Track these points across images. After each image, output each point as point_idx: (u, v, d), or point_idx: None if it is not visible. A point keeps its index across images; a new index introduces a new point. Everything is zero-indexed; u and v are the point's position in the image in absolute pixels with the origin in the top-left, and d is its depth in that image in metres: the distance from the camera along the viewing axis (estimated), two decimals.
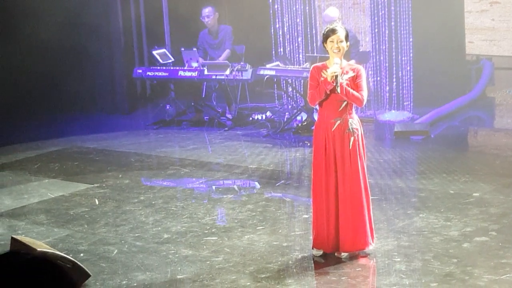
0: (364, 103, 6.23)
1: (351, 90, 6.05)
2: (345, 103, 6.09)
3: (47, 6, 11.41)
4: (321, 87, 6.07)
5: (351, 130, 6.09)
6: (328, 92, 6.06)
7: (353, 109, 6.21)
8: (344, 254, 6.16)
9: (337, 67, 6.02)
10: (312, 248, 6.28)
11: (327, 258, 6.18)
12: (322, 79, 6.05)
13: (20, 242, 6.01)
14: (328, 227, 6.14)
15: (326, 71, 6.04)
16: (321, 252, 6.23)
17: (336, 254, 6.19)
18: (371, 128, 10.99)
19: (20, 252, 2.19)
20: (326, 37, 6.13)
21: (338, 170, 6.09)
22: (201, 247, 6.56)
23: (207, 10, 11.82)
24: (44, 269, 2.16)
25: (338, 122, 6.09)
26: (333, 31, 6.10)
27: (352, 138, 6.08)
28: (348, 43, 6.20)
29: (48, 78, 11.86)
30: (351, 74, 6.11)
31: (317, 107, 6.32)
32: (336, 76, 5.99)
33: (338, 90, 6.00)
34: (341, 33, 6.09)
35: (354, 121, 6.13)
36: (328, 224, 6.14)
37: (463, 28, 12.49)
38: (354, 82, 6.10)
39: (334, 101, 6.10)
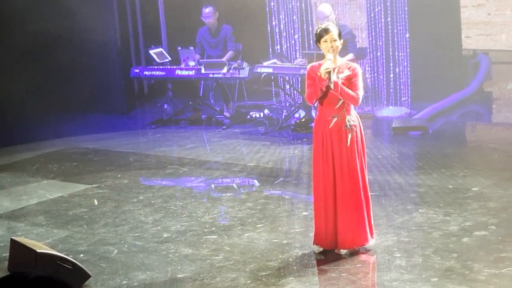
0: (360, 102, 6.19)
1: (346, 89, 6.01)
2: (342, 100, 6.08)
3: (41, 6, 11.38)
4: (316, 85, 6.06)
5: (348, 127, 6.07)
6: (323, 89, 6.05)
7: (351, 106, 6.17)
8: (343, 251, 6.17)
9: (330, 63, 6.00)
10: (313, 244, 6.28)
11: (327, 255, 6.17)
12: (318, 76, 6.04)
13: (20, 244, 6.01)
14: (326, 224, 6.14)
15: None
16: (321, 249, 6.23)
17: (336, 251, 6.19)
18: (369, 124, 10.98)
19: (19, 274, 2.13)
20: (319, 37, 6.10)
21: (336, 167, 6.08)
22: (201, 246, 6.56)
23: (207, 10, 11.80)
24: None
25: (335, 119, 6.08)
26: (326, 31, 6.06)
27: (349, 135, 6.07)
28: (342, 40, 6.19)
29: (44, 79, 11.83)
30: (347, 73, 6.08)
31: (316, 104, 6.31)
32: (329, 72, 5.97)
33: (332, 86, 5.97)
34: (334, 32, 6.06)
35: (352, 118, 6.11)
36: (326, 221, 6.13)
37: (460, 23, 12.48)
38: (350, 81, 6.08)
39: (331, 99, 6.08)
